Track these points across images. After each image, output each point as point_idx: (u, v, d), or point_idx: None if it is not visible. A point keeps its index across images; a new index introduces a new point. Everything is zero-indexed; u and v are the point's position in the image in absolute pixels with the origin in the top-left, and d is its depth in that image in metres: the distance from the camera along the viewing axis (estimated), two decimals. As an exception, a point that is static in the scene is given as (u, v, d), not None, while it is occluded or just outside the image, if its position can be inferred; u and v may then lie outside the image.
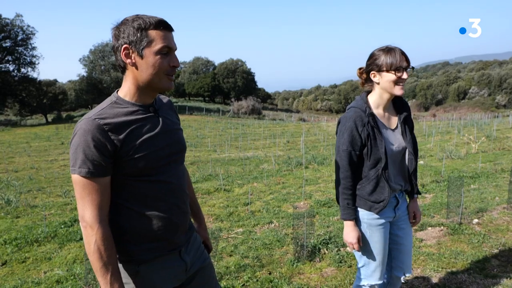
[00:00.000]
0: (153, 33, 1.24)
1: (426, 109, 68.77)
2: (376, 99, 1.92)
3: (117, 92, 1.34)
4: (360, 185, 1.93)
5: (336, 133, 1.98)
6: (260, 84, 74.27)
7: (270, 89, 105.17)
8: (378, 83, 1.88)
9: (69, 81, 57.43)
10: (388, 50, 1.82)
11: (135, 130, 1.27)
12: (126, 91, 1.32)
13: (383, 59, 1.82)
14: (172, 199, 1.35)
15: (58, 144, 20.67)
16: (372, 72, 1.87)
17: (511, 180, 4.86)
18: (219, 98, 68.04)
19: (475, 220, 4.23)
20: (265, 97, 77.77)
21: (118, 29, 1.26)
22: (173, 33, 1.31)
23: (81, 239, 4.70)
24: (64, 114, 45.06)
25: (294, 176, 8.67)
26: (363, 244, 1.98)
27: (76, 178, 1.20)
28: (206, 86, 61.83)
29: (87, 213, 1.20)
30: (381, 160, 1.86)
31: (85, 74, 45.75)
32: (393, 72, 1.79)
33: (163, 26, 1.26)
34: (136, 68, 1.26)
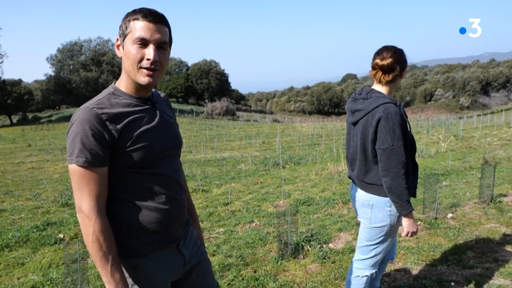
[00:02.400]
0: (133, 23, 1.21)
1: (395, 110, 70.88)
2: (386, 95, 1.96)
3: (114, 83, 1.32)
4: None
5: (374, 132, 1.86)
6: (233, 85, 74.22)
7: (243, 90, 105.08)
8: (399, 79, 1.90)
9: (35, 81, 55.20)
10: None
11: (133, 122, 1.25)
12: (122, 82, 1.30)
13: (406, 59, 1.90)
14: (170, 192, 1.34)
15: (24, 146, 19.82)
16: (404, 69, 1.89)
17: (481, 176, 5.09)
18: (192, 99, 67.37)
19: (450, 215, 4.39)
20: (239, 98, 77.69)
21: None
22: (162, 26, 1.23)
23: (56, 243, 4.52)
24: (30, 115, 43.23)
25: (271, 176, 8.71)
26: (387, 235, 1.96)
27: (73, 168, 1.17)
28: (179, 87, 61.07)
29: (84, 203, 1.17)
30: (414, 148, 1.91)
31: (52, 73, 44.07)
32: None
33: (144, 16, 1.20)
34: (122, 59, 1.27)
